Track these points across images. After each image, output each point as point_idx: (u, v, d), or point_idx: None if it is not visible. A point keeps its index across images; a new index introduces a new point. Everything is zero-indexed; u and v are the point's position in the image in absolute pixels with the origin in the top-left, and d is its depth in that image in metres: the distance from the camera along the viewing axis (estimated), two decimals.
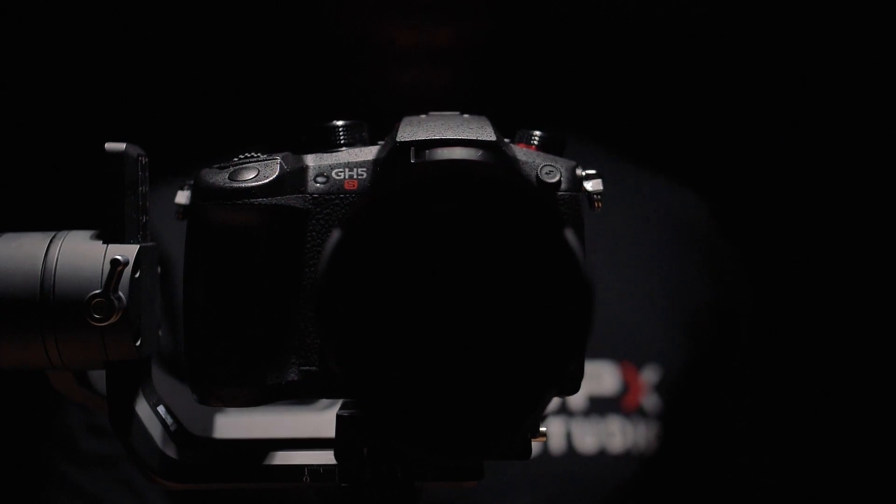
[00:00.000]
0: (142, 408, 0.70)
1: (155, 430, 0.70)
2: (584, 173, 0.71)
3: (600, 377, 1.21)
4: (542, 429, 0.71)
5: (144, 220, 0.71)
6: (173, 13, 1.43)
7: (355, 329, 0.57)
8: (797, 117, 1.52)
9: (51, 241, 0.69)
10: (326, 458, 0.71)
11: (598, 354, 1.21)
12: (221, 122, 1.25)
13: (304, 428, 0.76)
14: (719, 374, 1.28)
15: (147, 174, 0.72)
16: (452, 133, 0.68)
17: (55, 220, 0.73)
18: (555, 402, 1.19)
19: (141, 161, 0.71)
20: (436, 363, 0.57)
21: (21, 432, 1.29)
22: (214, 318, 0.68)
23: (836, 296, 1.50)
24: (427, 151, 0.63)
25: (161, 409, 0.72)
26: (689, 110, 1.51)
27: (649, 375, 1.22)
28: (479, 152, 0.63)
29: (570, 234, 0.56)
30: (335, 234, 0.57)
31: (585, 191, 0.71)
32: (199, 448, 0.71)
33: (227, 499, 1.12)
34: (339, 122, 0.72)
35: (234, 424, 0.76)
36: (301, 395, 0.71)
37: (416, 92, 1.18)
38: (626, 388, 1.21)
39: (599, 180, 0.71)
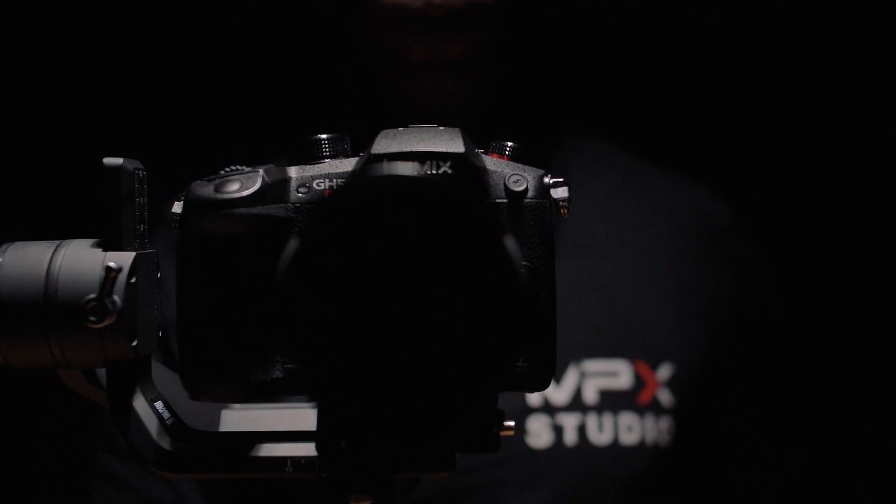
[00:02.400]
0: (139, 403, 0.76)
1: (151, 424, 0.76)
2: (551, 181, 0.75)
3: (615, 374, 1.24)
4: (510, 423, 0.75)
5: (143, 228, 0.77)
6: (186, 23, 1.48)
7: (310, 330, 0.61)
8: (817, 114, 1.53)
9: (55, 250, 0.75)
10: (309, 450, 0.75)
11: (614, 352, 1.25)
12: (238, 134, 1.31)
13: (303, 423, 0.81)
14: (734, 371, 1.30)
15: (145, 186, 0.77)
16: (423, 146, 0.73)
17: (64, 230, 0.79)
18: (565, 398, 1.24)
19: (138, 174, 0.76)
20: (385, 361, 0.62)
21: (65, 427, 1.36)
22: (203, 319, 0.74)
23: (854, 295, 1.51)
24: (376, 166, 0.68)
25: (159, 404, 0.77)
26: (706, 108, 1.53)
27: (664, 372, 1.25)
28: (419, 165, 0.69)
29: (509, 242, 0.61)
30: (293, 243, 0.62)
31: (552, 198, 0.75)
32: (192, 441, 0.76)
33: (249, 487, 1.18)
34: (322, 136, 0.77)
35: (239, 419, 0.82)
36: (287, 391, 0.76)
37: (426, 103, 1.21)
38: (640, 384, 1.24)
39: (566, 188, 0.75)
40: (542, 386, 0.75)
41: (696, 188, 1.37)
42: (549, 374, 0.75)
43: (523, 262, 0.71)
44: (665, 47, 1.55)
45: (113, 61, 1.48)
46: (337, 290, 0.62)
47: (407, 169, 0.65)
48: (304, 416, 0.81)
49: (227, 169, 0.75)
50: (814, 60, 1.54)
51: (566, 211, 0.75)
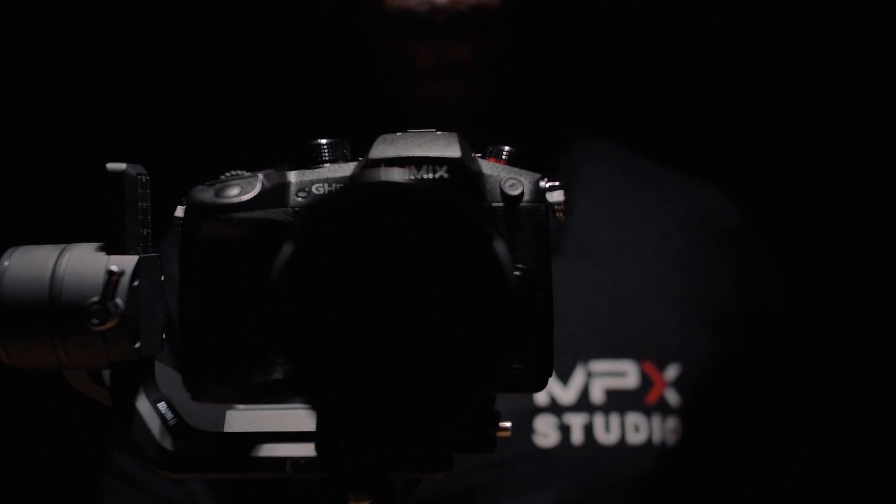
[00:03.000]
0: (142, 404, 0.77)
1: (154, 425, 0.77)
2: (547, 185, 0.76)
3: (622, 374, 1.25)
4: (506, 423, 0.76)
5: (146, 232, 0.78)
6: (189, 28, 1.49)
7: (304, 333, 0.63)
8: (824, 114, 1.53)
9: (59, 253, 0.76)
10: (308, 450, 0.77)
11: (621, 353, 1.26)
12: (246, 138, 1.32)
13: (305, 423, 0.82)
14: (741, 371, 1.31)
15: (148, 191, 0.79)
16: (420, 151, 0.74)
17: (71, 234, 0.80)
18: (572, 398, 1.25)
19: (141, 179, 0.78)
20: (379, 363, 0.63)
21: (78, 426, 1.37)
22: (203, 321, 0.75)
23: (861, 295, 1.51)
24: (369, 171, 0.69)
25: (162, 405, 0.78)
26: (713, 109, 1.54)
27: (671, 372, 1.26)
28: (415, 170, 0.70)
29: (499, 246, 0.62)
30: (287, 247, 0.63)
31: (547, 202, 0.76)
32: (194, 441, 0.78)
33: (257, 486, 1.20)
34: (322, 141, 0.78)
35: (243, 419, 0.83)
36: (287, 393, 0.77)
37: (432, 107, 1.22)
38: (648, 384, 1.25)
39: (562, 191, 0.76)
40: (539, 387, 0.76)
41: (703, 189, 1.37)
42: (545, 374, 0.76)
43: (518, 265, 0.73)
44: (671, 48, 1.55)
45: (117, 67, 1.50)
46: (332, 294, 0.63)
47: (399, 175, 0.66)
48: (306, 417, 0.83)
49: (228, 174, 0.76)
50: (821, 61, 1.54)
51: (562, 214, 0.76)
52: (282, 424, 0.81)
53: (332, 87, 1.37)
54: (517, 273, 0.71)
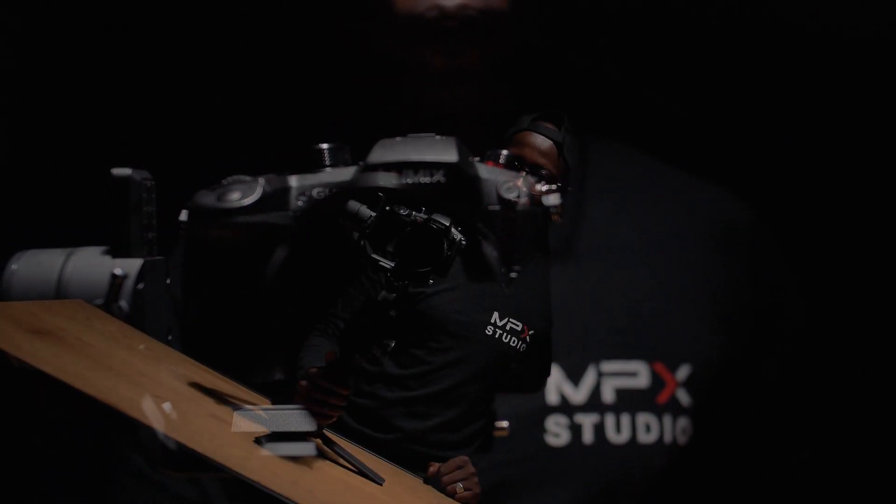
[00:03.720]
0: (148, 405, 0.78)
1: (159, 426, 0.78)
2: (544, 188, 0.77)
3: (633, 374, 1.26)
4: (503, 423, 0.77)
5: (151, 236, 0.79)
6: (201, 36, 1.50)
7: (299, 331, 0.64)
8: (840, 116, 1.52)
9: (66, 257, 0.78)
10: (308, 449, 0.78)
11: (632, 353, 1.27)
12: (253, 144, 1.34)
13: (308, 423, 0.83)
14: (752, 372, 1.31)
15: (154, 196, 0.80)
16: (417, 156, 0.75)
17: (79, 238, 0.82)
18: (583, 398, 1.25)
19: (146, 184, 0.79)
20: (375, 363, 0.64)
21: (96, 426, 1.39)
22: (205, 321, 0.76)
23: (873, 297, 1.50)
24: (366, 176, 0.70)
25: (167, 406, 0.80)
26: (727, 111, 1.53)
27: (682, 373, 1.26)
28: (413, 174, 0.71)
29: (487, 248, 0.63)
30: (281, 251, 0.64)
31: (543, 205, 0.77)
32: None
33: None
34: (324, 146, 0.79)
35: (249, 420, 0.84)
36: (289, 393, 0.78)
37: (443, 111, 1.23)
38: (659, 384, 1.26)
39: (558, 194, 0.77)
40: (537, 388, 0.77)
41: (715, 190, 1.38)
42: (544, 375, 0.77)
43: (515, 267, 0.74)
44: (682, 50, 1.55)
45: (122, 74, 1.51)
46: (326, 295, 0.64)
47: (393, 180, 0.67)
48: (307, 418, 0.84)
49: (231, 178, 0.78)
50: (833, 61, 1.53)
51: (558, 217, 0.77)
52: (288, 424, 0.83)
53: (338, 91, 1.38)
54: (513, 274, 0.72)
